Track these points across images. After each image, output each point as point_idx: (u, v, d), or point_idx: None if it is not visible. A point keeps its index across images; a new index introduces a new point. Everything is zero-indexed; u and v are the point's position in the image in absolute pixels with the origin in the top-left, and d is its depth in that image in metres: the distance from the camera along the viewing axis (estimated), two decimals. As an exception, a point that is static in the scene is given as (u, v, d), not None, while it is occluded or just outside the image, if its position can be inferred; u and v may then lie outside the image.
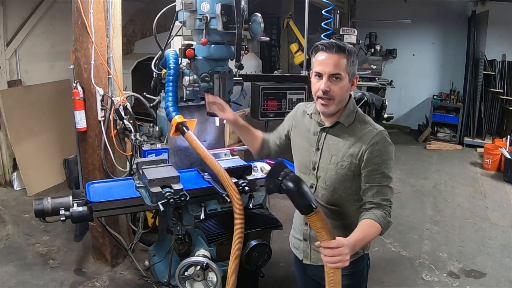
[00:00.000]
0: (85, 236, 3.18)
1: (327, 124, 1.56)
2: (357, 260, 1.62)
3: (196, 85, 2.03)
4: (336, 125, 1.55)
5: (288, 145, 1.79)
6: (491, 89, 6.67)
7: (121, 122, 2.68)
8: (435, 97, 7.42)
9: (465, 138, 6.98)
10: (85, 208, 1.79)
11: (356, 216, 1.52)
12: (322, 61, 1.47)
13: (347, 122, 1.53)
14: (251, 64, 5.37)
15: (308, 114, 1.66)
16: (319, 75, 1.49)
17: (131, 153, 2.72)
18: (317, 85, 1.49)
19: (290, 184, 1.36)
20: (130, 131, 2.63)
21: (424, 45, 7.85)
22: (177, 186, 1.77)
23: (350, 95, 1.57)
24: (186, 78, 2.03)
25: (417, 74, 8.00)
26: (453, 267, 3.25)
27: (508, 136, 5.93)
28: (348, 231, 1.44)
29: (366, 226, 1.45)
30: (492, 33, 6.84)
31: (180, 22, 2.07)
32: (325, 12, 3.79)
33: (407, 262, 3.32)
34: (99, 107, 2.69)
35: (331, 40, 1.52)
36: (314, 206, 1.33)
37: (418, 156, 6.44)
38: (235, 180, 1.93)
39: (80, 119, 2.71)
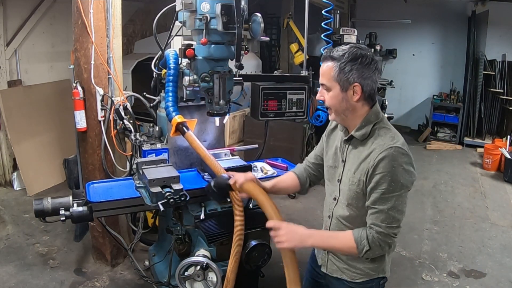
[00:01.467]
0: (85, 236, 3.18)
1: (346, 136, 1.49)
2: (370, 281, 1.54)
3: (196, 85, 2.03)
4: (352, 139, 1.47)
5: (320, 166, 1.73)
6: (491, 89, 6.67)
7: (121, 122, 2.68)
8: (435, 97, 7.43)
9: (465, 138, 6.98)
10: (85, 208, 1.79)
11: None
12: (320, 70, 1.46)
13: (360, 136, 1.43)
14: (251, 64, 5.38)
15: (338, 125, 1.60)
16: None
17: (131, 153, 2.71)
18: None
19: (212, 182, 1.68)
20: (130, 131, 2.63)
21: (424, 45, 7.86)
22: (177, 186, 1.77)
23: (374, 104, 1.44)
24: (186, 78, 2.03)
25: (417, 74, 8.01)
26: (453, 267, 3.25)
27: (508, 136, 5.93)
28: None
29: (340, 233, 1.46)
30: (492, 33, 6.84)
31: (180, 22, 2.07)
32: (325, 12, 3.78)
33: (407, 262, 3.32)
34: (99, 107, 2.69)
35: (331, 48, 1.46)
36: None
37: (418, 156, 6.44)
38: (235, 180, 1.93)
39: (80, 119, 2.71)
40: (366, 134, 1.42)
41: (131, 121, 2.69)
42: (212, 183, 1.69)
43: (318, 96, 1.47)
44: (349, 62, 1.36)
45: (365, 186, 1.40)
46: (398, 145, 1.35)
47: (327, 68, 1.41)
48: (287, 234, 1.42)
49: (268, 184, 1.72)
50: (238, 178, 1.60)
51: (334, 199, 1.55)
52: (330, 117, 1.50)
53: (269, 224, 1.47)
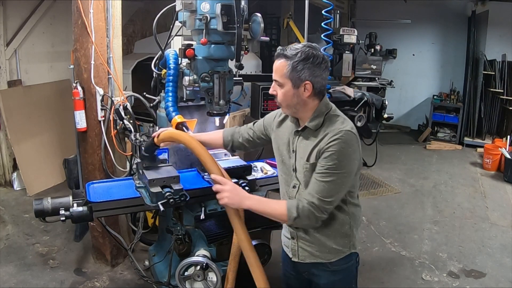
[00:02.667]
0: (85, 236, 3.18)
1: (300, 127, 1.57)
2: (345, 258, 1.62)
3: (196, 85, 2.03)
4: (305, 129, 1.55)
5: (261, 140, 1.83)
6: (491, 89, 6.67)
7: (121, 122, 2.68)
8: (435, 97, 7.43)
9: (465, 138, 6.98)
10: (85, 208, 1.79)
11: (332, 216, 1.53)
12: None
13: (314, 126, 1.51)
14: (251, 64, 5.38)
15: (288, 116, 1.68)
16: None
17: (131, 153, 2.72)
18: None
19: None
20: (130, 131, 2.63)
21: (424, 45, 7.86)
22: (177, 186, 1.77)
23: (323, 97, 1.54)
24: (186, 78, 2.03)
25: (417, 74, 8.01)
26: (453, 267, 3.25)
27: (508, 136, 5.92)
28: (329, 229, 1.55)
29: (275, 200, 1.57)
30: (492, 33, 6.84)
31: (180, 22, 2.07)
32: (325, 12, 3.79)
33: (407, 262, 3.32)
34: (99, 107, 2.69)
35: (283, 48, 1.51)
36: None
37: (418, 156, 6.44)
38: (235, 180, 1.94)
39: (80, 119, 2.71)
40: (319, 124, 1.51)
41: (131, 121, 2.70)
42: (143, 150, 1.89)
43: (271, 91, 1.55)
44: (301, 61, 1.44)
45: None
46: (347, 129, 1.46)
47: (280, 65, 1.48)
48: (230, 192, 1.53)
49: (190, 132, 1.89)
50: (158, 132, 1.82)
51: (294, 187, 1.60)
52: (283, 110, 1.60)
53: (215, 177, 1.58)
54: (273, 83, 1.53)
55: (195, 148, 1.67)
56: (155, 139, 1.82)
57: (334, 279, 1.63)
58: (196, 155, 1.68)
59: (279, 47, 1.50)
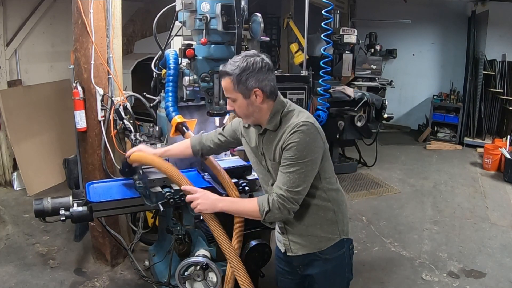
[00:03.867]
0: (85, 236, 3.18)
1: (261, 130, 1.61)
2: (335, 245, 1.64)
3: (196, 85, 2.03)
4: (266, 131, 1.59)
5: (231, 144, 1.87)
6: (491, 89, 6.67)
7: (121, 122, 2.68)
8: (435, 97, 7.43)
9: (465, 138, 6.98)
10: (85, 208, 1.80)
11: (315, 205, 1.59)
12: None
13: (272, 127, 1.55)
14: (251, 64, 5.36)
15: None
16: None
17: (131, 153, 2.71)
18: None
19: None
20: (130, 131, 2.63)
21: (424, 45, 7.85)
22: (177, 186, 1.77)
23: (276, 97, 1.56)
24: (186, 78, 2.03)
25: (417, 74, 8.01)
26: (453, 267, 3.25)
27: (508, 136, 5.92)
28: (314, 218, 1.60)
29: (246, 199, 1.65)
30: (492, 33, 6.84)
31: (180, 22, 2.08)
32: (325, 12, 3.79)
33: (407, 262, 3.31)
34: (99, 107, 2.69)
35: (222, 67, 1.54)
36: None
37: (418, 156, 6.44)
38: (235, 180, 1.94)
39: (80, 119, 2.71)
40: (277, 124, 1.55)
41: (131, 121, 2.70)
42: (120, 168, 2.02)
43: (228, 108, 1.59)
44: (243, 73, 1.47)
45: None
46: (303, 120, 1.49)
47: (226, 83, 1.52)
48: (201, 198, 1.60)
49: (157, 151, 1.92)
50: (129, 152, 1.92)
51: (272, 185, 1.62)
52: (246, 122, 1.65)
53: (185, 188, 1.67)
54: (228, 100, 1.57)
55: (160, 166, 1.76)
56: (128, 159, 1.91)
57: (326, 268, 1.65)
58: (163, 172, 1.76)
59: (221, 65, 1.54)
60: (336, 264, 1.67)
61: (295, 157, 1.46)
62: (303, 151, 1.46)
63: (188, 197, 1.63)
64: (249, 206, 1.55)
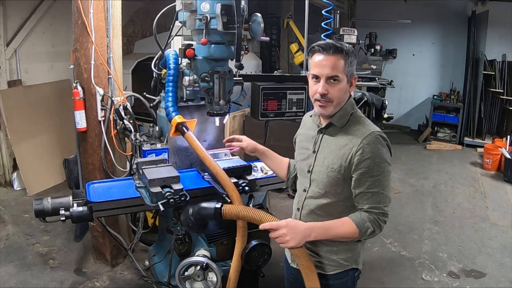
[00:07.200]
0: (85, 236, 3.18)
1: (323, 125, 1.55)
2: (342, 272, 1.57)
3: (196, 85, 2.03)
4: (330, 126, 1.52)
5: None
6: (491, 89, 6.67)
7: (121, 122, 2.68)
8: (435, 97, 7.43)
9: (465, 138, 6.98)
10: (85, 208, 1.79)
11: None
12: (319, 62, 1.44)
13: (339, 123, 1.49)
14: (251, 64, 5.37)
15: (310, 116, 1.66)
16: (316, 77, 1.46)
17: (131, 153, 2.71)
18: (315, 88, 1.47)
19: (190, 210, 1.66)
20: (130, 131, 2.63)
21: (424, 45, 7.85)
22: (177, 186, 1.77)
23: (350, 96, 1.54)
24: (186, 78, 2.03)
25: (417, 74, 8.01)
26: (453, 267, 3.25)
27: (508, 136, 5.93)
28: (336, 242, 1.51)
29: (338, 221, 1.46)
30: (492, 33, 6.84)
31: (180, 22, 2.07)
32: (325, 12, 3.78)
33: (407, 262, 3.32)
34: (99, 107, 2.69)
35: (328, 40, 1.49)
36: (219, 205, 1.57)
37: (418, 156, 6.44)
38: (235, 180, 1.94)
39: (80, 119, 2.71)
40: (345, 122, 1.49)
41: (131, 121, 2.69)
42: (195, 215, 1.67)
43: (321, 90, 1.44)
44: (353, 55, 1.44)
45: (347, 172, 1.45)
46: (377, 130, 1.45)
47: (336, 60, 1.42)
48: (290, 234, 1.40)
49: (260, 147, 1.88)
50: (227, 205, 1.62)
51: (304, 190, 1.58)
52: (326, 110, 1.48)
53: (265, 226, 1.45)
54: (322, 82, 1.44)
55: (252, 215, 1.55)
56: (222, 212, 1.61)
57: None
58: (250, 219, 1.57)
59: (330, 42, 1.45)
60: None
61: (380, 170, 1.41)
62: (385, 162, 1.42)
63: (273, 235, 1.43)
64: (346, 230, 1.43)
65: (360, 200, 1.46)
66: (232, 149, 2.39)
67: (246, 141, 1.93)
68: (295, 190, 1.76)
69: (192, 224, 1.70)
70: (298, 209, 1.62)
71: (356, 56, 1.46)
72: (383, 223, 1.43)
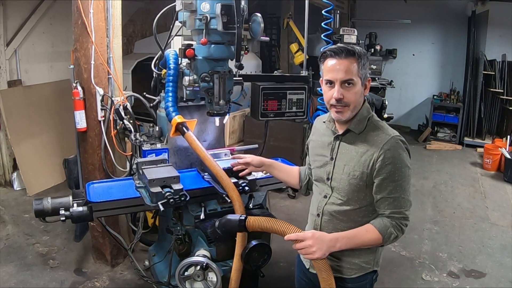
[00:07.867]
0: (85, 236, 3.18)
1: (340, 132, 1.52)
2: (363, 275, 1.56)
3: (196, 85, 2.03)
4: (347, 133, 1.50)
5: None
6: (491, 89, 6.67)
7: (121, 122, 2.68)
8: (435, 97, 7.43)
9: (465, 138, 6.98)
10: (85, 208, 1.79)
11: None
12: (332, 67, 1.42)
13: (357, 129, 1.47)
14: (251, 64, 5.37)
15: (324, 121, 1.63)
16: (331, 83, 1.44)
17: (131, 153, 2.72)
18: (330, 93, 1.44)
19: (216, 223, 1.65)
20: (130, 131, 2.63)
21: (424, 45, 7.86)
22: (177, 186, 1.77)
23: (365, 100, 1.52)
24: (186, 78, 2.03)
25: (417, 74, 8.01)
26: (453, 267, 3.25)
27: (508, 136, 5.93)
28: None
29: (362, 229, 1.45)
30: (492, 33, 6.84)
31: (180, 22, 2.07)
32: (325, 12, 3.78)
33: (407, 262, 3.32)
34: (99, 107, 2.69)
35: (339, 44, 1.47)
36: (243, 218, 1.56)
37: (418, 156, 6.44)
38: (235, 180, 1.94)
39: (80, 119, 2.71)
40: (363, 128, 1.47)
41: (131, 121, 2.69)
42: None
43: (337, 95, 1.41)
44: (365, 57, 1.43)
45: (369, 178, 1.43)
46: (396, 134, 1.45)
47: (349, 64, 1.40)
48: (315, 245, 1.37)
49: (266, 160, 1.87)
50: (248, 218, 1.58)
51: (325, 197, 1.56)
52: (343, 115, 1.45)
53: (290, 237, 1.41)
54: (337, 86, 1.42)
55: (276, 227, 1.50)
56: (247, 224, 1.57)
57: None
58: (274, 231, 1.52)
59: (342, 46, 1.42)
60: None
61: (402, 175, 1.40)
62: (406, 167, 1.41)
63: (298, 246, 1.40)
64: (370, 237, 1.42)
65: (381, 205, 1.45)
66: (232, 149, 2.39)
67: (251, 157, 1.91)
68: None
69: (220, 237, 1.72)
70: (318, 215, 1.59)
71: (368, 58, 1.45)
72: (404, 226, 1.44)
